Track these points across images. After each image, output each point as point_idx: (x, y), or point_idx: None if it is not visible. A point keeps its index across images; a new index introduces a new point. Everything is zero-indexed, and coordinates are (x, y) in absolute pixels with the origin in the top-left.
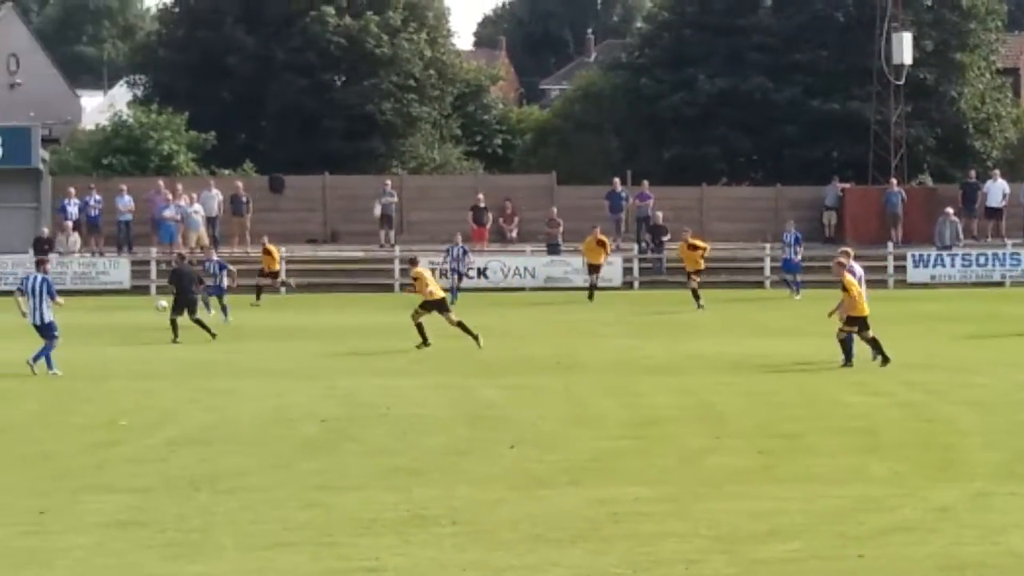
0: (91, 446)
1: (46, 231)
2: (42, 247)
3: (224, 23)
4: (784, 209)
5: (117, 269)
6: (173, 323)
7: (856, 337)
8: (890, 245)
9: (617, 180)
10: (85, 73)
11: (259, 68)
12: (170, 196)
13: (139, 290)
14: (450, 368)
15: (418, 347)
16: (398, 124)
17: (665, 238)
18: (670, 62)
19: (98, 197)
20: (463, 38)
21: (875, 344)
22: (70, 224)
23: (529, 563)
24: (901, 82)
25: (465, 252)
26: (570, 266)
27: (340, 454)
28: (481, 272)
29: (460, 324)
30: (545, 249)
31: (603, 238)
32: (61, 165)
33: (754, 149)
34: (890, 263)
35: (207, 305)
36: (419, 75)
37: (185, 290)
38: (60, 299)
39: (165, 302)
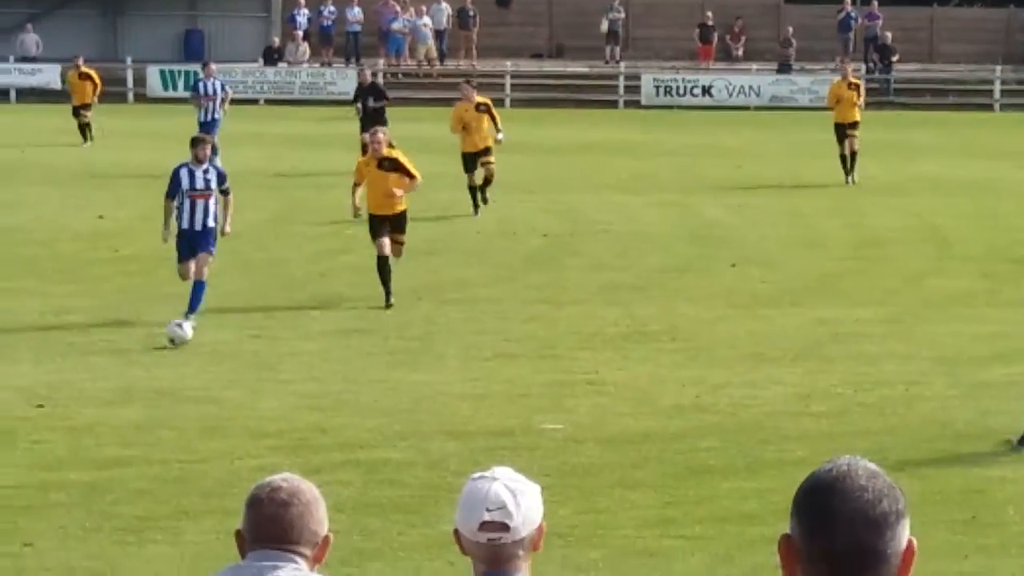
0: (317, 254)
1: (276, 41)
2: (272, 56)
3: None
4: (1017, 31)
5: (345, 80)
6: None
7: None
8: None
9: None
10: None
11: None
12: (398, 8)
13: None
14: (671, 186)
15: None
16: None
17: (894, 58)
18: None
19: (332, 8)
20: None
21: None
22: (300, 34)
23: (749, 380)
24: None
25: None
26: (796, 85)
27: (562, 269)
28: (706, 90)
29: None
30: (775, 68)
31: (855, 80)
32: None
33: None
34: None
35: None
36: None
37: None
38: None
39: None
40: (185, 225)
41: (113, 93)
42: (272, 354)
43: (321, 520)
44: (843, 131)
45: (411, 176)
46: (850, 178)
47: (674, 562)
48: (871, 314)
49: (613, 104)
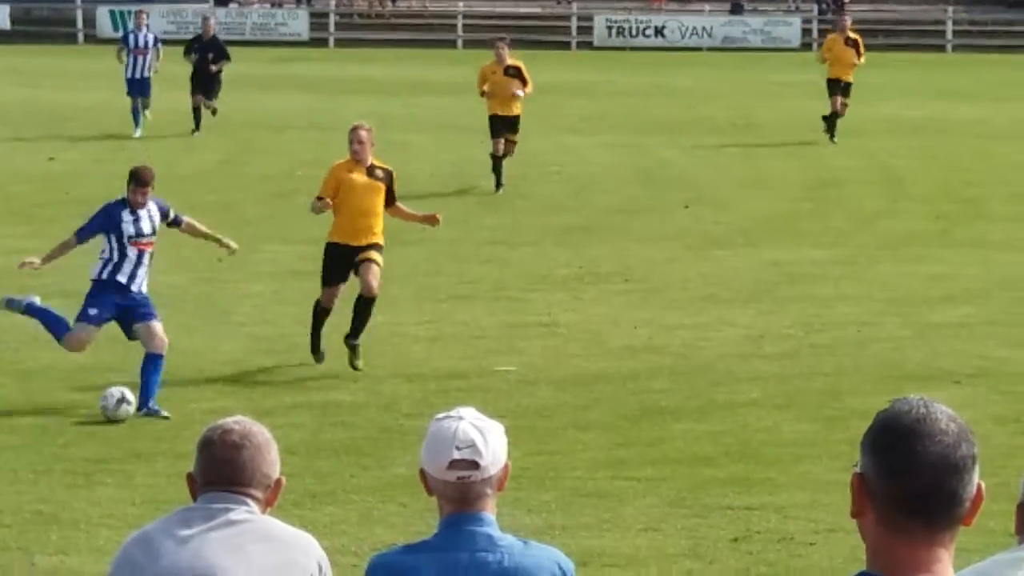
0: (267, 196)
1: None
2: None
3: None
4: None
5: (296, 20)
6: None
7: None
8: None
9: None
10: None
11: None
12: None
13: (317, 42)
14: (624, 127)
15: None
16: None
17: (846, 0)
18: None
19: None
20: None
21: None
22: None
23: (701, 322)
24: None
25: None
26: (748, 26)
27: (514, 211)
28: (658, 31)
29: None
30: (727, 8)
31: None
32: None
33: None
34: None
35: (139, 112)
36: None
37: None
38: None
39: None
40: (123, 278)
41: (63, 34)
42: (224, 297)
43: (273, 463)
44: (838, 87)
45: (395, 199)
46: (834, 137)
47: (626, 503)
48: (824, 255)
49: (566, 45)
